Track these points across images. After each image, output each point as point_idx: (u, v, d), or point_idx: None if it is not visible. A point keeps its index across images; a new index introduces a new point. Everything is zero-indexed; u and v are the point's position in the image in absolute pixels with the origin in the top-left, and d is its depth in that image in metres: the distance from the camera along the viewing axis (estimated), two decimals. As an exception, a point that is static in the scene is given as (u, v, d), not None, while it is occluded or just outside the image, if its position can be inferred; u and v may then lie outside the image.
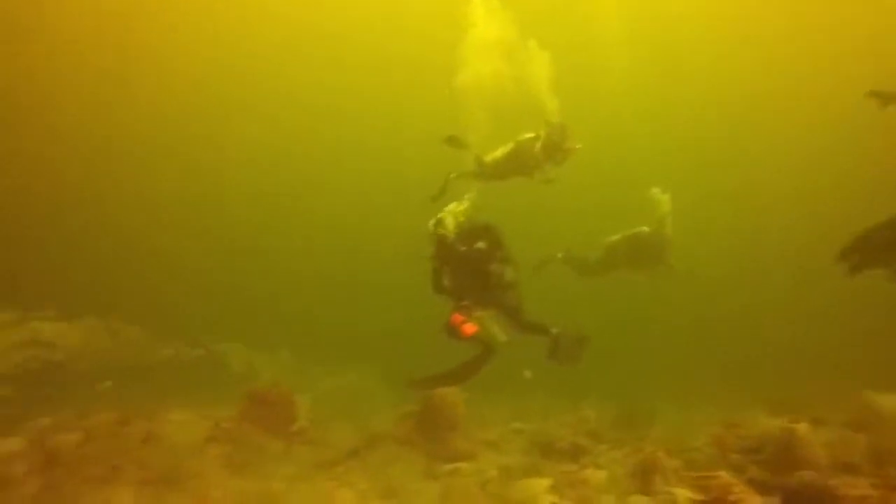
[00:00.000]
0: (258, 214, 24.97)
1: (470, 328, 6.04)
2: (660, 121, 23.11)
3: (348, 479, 6.05)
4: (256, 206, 24.89)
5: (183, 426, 6.91)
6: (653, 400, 8.50)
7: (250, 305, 19.15)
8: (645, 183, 8.36)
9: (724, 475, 4.29)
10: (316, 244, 24.45)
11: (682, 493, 4.34)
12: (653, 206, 8.50)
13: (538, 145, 7.13)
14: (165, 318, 8.45)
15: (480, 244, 6.00)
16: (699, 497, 4.13)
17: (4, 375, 4.59)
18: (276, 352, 9.85)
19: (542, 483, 5.26)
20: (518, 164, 7.36)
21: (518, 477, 5.59)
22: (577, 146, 7.15)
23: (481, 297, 6.11)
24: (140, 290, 17.42)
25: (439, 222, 6.12)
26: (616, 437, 7.41)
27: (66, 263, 19.21)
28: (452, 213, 6.24)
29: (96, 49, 21.67)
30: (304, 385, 8.39)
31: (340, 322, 17.79)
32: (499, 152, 7.49)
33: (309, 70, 24.31)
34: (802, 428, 5.22)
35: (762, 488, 4.28)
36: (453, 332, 5.95)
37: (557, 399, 9.54)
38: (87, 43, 21.23)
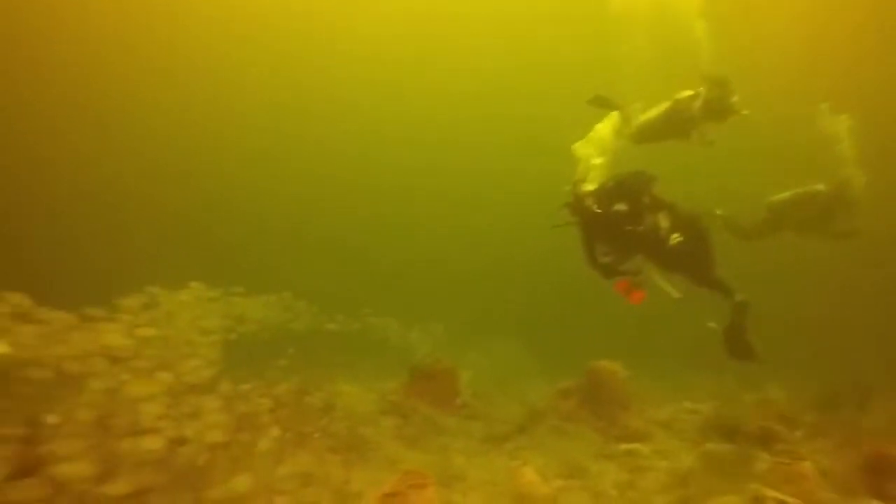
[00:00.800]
0: (409, 191, 25.91)
1: (638, 295, 5.52)
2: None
3: (521, 456, 5.93)
4: (406, 183, 25.85)
5: (354, 398, 7.23)
6: (864, 379, 7.33)
7: (402, 280, 20.09)
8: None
9: None
10: (461, 219, 24.93)
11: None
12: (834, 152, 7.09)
13: (697, 104, 6.28)
14: (328, 294, 8.87)
15: (621, 206, 5.32)
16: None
17: (215, 343, 4.96)
18: (429, 325, 10.01)
19: (745, 473, 4.70)
20: (674, 126, 6.57)
21: (715, 465, 5.03)
22: (744, 112, 6.18)
23: (646, 256, 5.49)
24: (306, 268, 19.20)
25: (578, 188, 5.57)
26: (815, 422, 6.50)
27: (248, 245, 21.91)
28: (590, 176, 5.68)
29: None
30: (458, 358, 8.38)
31: (487, 296, 17.91)
32: (652, 112, 6.75)
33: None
34: None
35: None
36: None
37: (726, 375, 8.60)
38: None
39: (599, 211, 5.36)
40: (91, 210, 22.98)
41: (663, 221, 5.40)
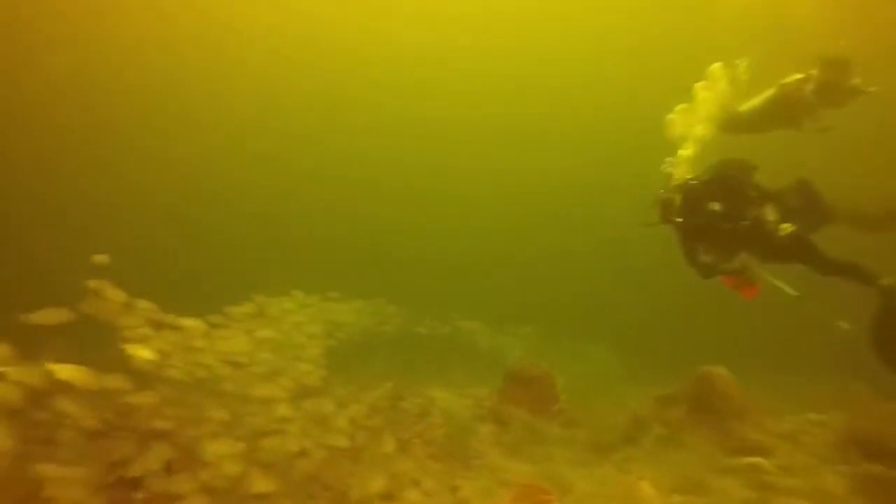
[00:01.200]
0: (493, 195, 26.03)
1: (752, 290, 5.02)
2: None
3: (631, 468, 5.59)
4: (489, 188, 25.88)
5: (449, 404, 7.15)
6: None
7: (489, 283, 20.09)
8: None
9: None
10: (547, 220, 24.65)
11: None
12: None
13: (809, 87, 5.62)
14: (416, 298, 8.89)
15: (714, 205, 4.82)
16: None
17: (320, 348, 5.05)
18: (518, 328, 9.80)
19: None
20: (783, 113, 5.92)
21: (868, 490, 4.49)
22: (871, 89, 5.46)
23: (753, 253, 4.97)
24: (396, 272, 19.67)
25: (667, 185, 5.12)
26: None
27: (335, 251, 22.89)
28: (679, 173, 5.20)
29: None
30: (550, 363, 8.10)
31: (574, 297, 17.49)
32: (756, 100, 6.14)
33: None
34: None
35: None
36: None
37: (854, 382, 7.75)
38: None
39: (690, 212, 4.95)
40: (190, 218, 24.56)
41: (770, 214, 4.90)
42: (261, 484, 2.74)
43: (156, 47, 22.94)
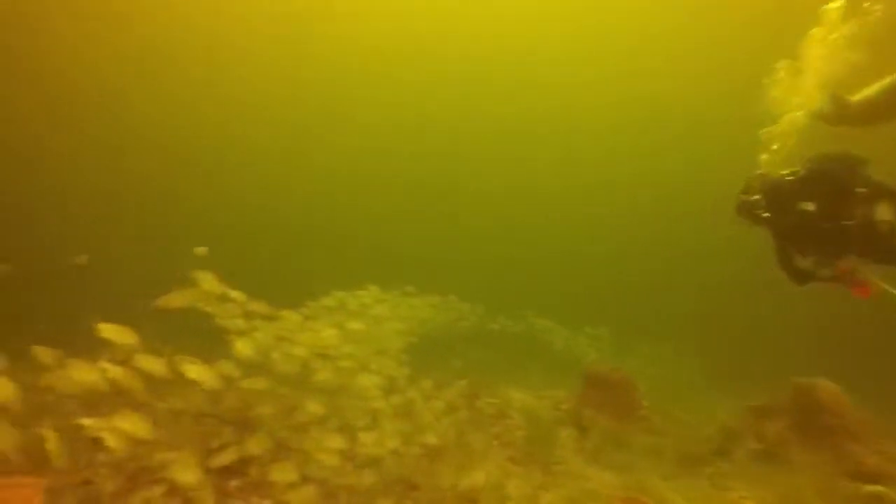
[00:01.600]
0: (576, 192, 25.43)
1: (865, 288, 4.45)
2: None
3: (725, 484, 5.18)
4: (569, 182, 25.35)
5: (526, 405, 6.92)
6: None
7: (564, 282, 19.72)
8: None
9: None
10: (623, 218, 23.93)
11: None
12: None
13: None
14: (489, 295, 8.70)
15: (807, 205, 4.22)
16: None
17: (401, 342, 4.99)
18: (594, 329, 9.40)
19: None
20: None
21: None
22: None
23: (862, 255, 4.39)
24: (467, 270, 19.70)
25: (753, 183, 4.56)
26: None
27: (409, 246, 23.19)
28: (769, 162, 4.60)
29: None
30: (628, 366, 7.71)
31: (650, 298, 16.82)
32: (872, 90, 5.37)
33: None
34: None
35: None
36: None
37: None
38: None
39: (778, 211, 4.41)
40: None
41: (886, 213, 4.30)
42: (361, 476, 2.69)
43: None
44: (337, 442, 2.77)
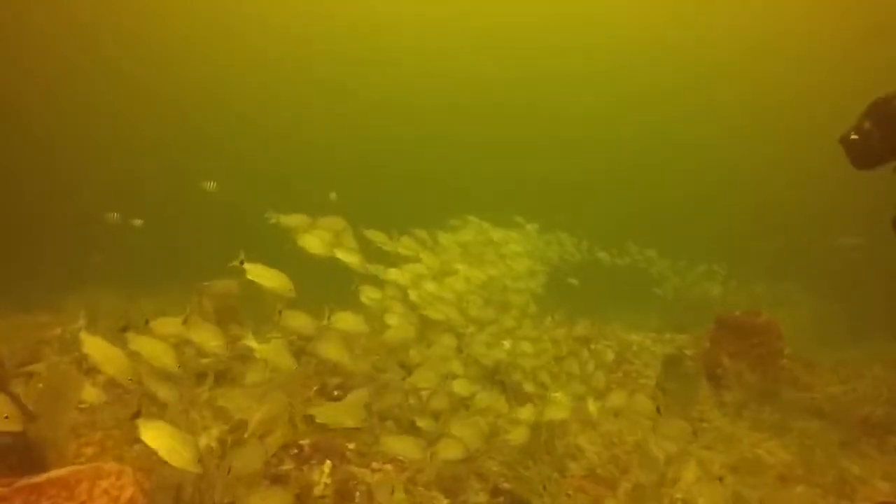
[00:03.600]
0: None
1: None
2: None
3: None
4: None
5: (645, 350, 6.26)
6: None
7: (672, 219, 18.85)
8: None
9: None
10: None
11: None
12: None
13: None
14: (594, 228, 7.91)
15: None
16: None
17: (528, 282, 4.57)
18: (711, 266, 8.32)
19: None
20: None
21: None
22: None
23: None
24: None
25: None
26: None
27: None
28: None
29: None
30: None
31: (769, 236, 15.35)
32: None
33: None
34: None
35: None
36: None
37: None
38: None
39: None
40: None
41: None
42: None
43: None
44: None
